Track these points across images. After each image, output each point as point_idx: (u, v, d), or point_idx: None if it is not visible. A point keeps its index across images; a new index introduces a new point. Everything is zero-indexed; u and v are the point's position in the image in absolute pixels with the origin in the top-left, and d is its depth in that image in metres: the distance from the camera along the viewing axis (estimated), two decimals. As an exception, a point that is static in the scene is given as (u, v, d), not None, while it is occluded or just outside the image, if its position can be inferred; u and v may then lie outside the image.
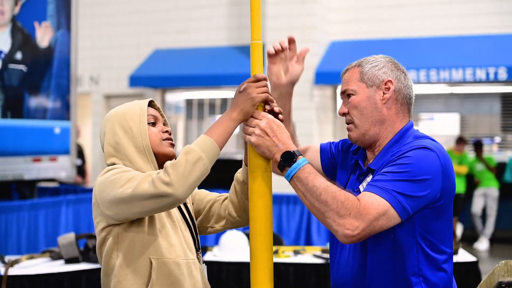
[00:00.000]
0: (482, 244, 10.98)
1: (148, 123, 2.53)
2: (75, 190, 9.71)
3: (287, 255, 5.53)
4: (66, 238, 5.20)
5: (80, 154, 11.96)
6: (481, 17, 11.80)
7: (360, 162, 2.56)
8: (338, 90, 12.98)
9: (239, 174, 2.62)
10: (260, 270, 2.36)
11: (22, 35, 8.40)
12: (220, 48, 13.38)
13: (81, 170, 11.86)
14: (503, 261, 2.38)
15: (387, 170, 2.31)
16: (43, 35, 8.85)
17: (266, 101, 2.39)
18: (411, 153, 2.31)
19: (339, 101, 12.88)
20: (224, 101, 13.80)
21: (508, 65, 10.73)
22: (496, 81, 10.89)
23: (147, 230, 2.45)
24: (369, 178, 2.47)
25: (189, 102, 14.23)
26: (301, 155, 2.31)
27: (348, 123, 2.54)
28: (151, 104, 2.62)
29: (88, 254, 5.21)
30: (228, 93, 13.63)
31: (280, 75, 2.72)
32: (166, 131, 2.58)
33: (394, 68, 2.53)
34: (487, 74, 10.77)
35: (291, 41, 2.68)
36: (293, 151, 2.30)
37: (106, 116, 2.60)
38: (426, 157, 2.30)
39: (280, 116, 2.40)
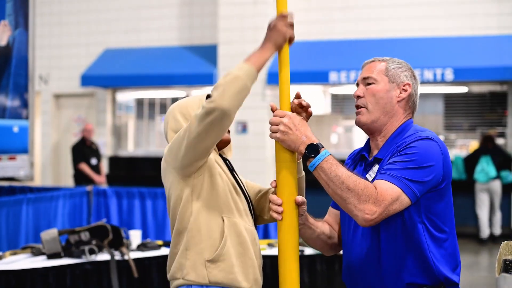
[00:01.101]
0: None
1: None
2: (31, 189, 9.67)
3: (262, 248, 5.71)
4: (49, 234, 5.26)
5: (96, 153, 11.74)
6: (429, 20, 12.21)
7: (365, 155, 2.80)
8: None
9: None
10: (287, 251, 2.59)
11: (-19, 33, 8.38)
12: (171, 48, 13.45)
13: (97, 169, 11.62)
14: (504, 242, 2.65)
15: (396, 159, 2.56)
16: (2, 34, 8.82)
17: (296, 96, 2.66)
18: (416, 144, 2.56)
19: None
20: (175, 100, 13.82)
21: (455, 66, 11.16)
22: (442, 82, 11.29)
23: (220, 190, 2.77)
24: (375, 168, 2.69)
25: (139, 102, 14.27)
26: (323, 147, 2.53)
27: (359, 107, 2.77)
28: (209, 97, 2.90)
29: (70, 249, 5.29)
30: (179, 92, 13.72)
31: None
32: None
33: (413, 76, 2.82)
34: (434, 75, 11.16)
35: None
36: (316, 143, 2.52)
37: (169, 109, 2.92)
38: (429, 146, 2.56)
39: (309, 110, 2.69)
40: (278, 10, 2.72)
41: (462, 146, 12.78)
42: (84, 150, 11.59)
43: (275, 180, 2.64)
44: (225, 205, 2.76)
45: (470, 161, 11.48)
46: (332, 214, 2.94)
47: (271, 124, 2.60)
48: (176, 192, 2.76)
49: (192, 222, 2.73)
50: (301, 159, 2.73)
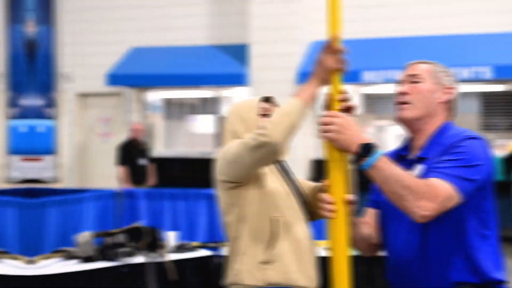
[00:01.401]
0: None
1: (259, 114, 3.02)
2: (56, 191, 9.51)
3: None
4: (84, 237, 5.25)
5: (144, 153, 11.42)
6: (468, 16, 12.00)
7: (405, 154, 2.89)
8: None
9: None
10: (340, 250, 2.64)
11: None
12: (201, 47, 13.36)
13: (144, 171, 11.31)
14: None
15: (447, 158, 2.65)
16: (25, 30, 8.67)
17: (343, 99, 2.70)
18: (465, 143, 2.67)
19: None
20: (204, 100, 13.77)
21: (494, 64, 11.00)
22: (481, 80, 11.08)
23: (268, 190, 2.91)
24: (418, 167, 2.76)
25: (168, 102, 14.18)
26: (376, 146, 2.61)
27: (404, 103, 2.83)
28: (270, 100, 3.10)
29: (105, 251, 5.19)
30: (208, 92, 13.65)
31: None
32: None
33: (455, 82, 2.92)
34: (475, 73, 11.02)
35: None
36: (369, 143, 2.60)
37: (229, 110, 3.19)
38: (477, 145, 2.67)
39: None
40: (328, 34, 2.67)
41: (501, 146, 12.54)
42: (130, 151, 11.28)
43: (327, 180, 2.72)
44: (275, 205, 2.89)
45: (510, 162, 11.33)
46: (370, 214, 3.03)
47: (323, 124, 2.65)
48: (224, 199, 2.92)
49: (243, 226, 2.87)
50: None
